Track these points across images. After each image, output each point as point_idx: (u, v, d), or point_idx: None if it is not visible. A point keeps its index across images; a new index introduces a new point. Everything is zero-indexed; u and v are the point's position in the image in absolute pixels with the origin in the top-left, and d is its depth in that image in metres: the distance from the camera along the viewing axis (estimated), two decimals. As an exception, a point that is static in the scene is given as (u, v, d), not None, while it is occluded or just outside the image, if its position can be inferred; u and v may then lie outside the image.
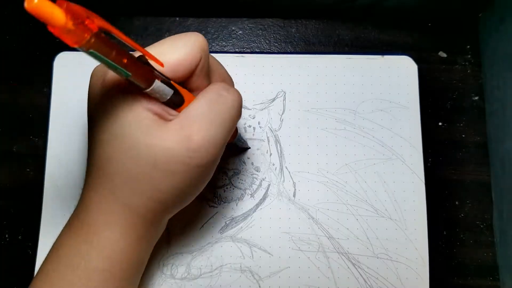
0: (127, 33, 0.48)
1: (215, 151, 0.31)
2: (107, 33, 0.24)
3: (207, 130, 0.30)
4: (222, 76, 0.37)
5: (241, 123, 0.46)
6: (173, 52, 0.31)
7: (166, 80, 0.30)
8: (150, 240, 0.35)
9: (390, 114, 0.46)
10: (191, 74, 0.32)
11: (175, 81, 0.31)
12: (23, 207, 0.46)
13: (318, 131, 0.46)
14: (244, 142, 0.45)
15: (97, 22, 0.23)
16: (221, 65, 0.37)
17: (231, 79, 0.38)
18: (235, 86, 0.46)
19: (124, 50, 0.26)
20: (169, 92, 0.30)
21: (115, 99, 0.30)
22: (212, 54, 0.36)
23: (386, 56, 0.48)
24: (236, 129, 0.41)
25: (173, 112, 0.31)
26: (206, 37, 0.49)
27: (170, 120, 0.30)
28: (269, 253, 0.44)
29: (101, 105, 0.31)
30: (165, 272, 0.43)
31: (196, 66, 0.32)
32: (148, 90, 0.28)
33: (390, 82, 0.47)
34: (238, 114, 0.33)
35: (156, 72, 0.29)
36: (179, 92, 0.31)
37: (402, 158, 0.45)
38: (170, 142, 0.29)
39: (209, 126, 0.30)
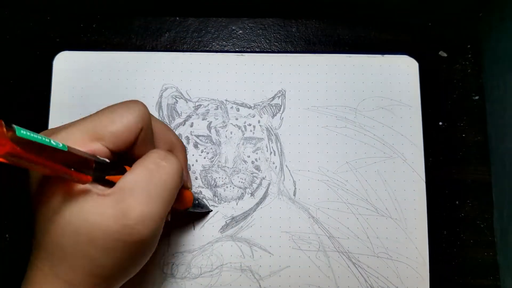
0: (127, 33, 0.49)
1: (154, 225, 0.30)
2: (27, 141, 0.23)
3: (144, 204, 0.29)
4: (169, 142, 0.36)
5: (241, 121, 0.46)
6: (111, 124, 0.30)
7: (101, 163, 0.29)
8: None
9: (391, 112, 0.46)
10: (132, 144, 0.31)
11: (115, 152, 0.31)
12: (23, 207, 0.46)
13: (318, 129, 0.46)
14: (204, 205, 0.44)
15: (8, 147, 0.22)
16: (169, 129, 0.37)
17: (180, 144, 0.38)
18: (234, 88, 0.47)
19: (44, 162, 0.25)
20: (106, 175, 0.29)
21: (52, 179, 0.29)
22: (158, 120, 0.35)
23: (386, 55, 0.48)
24: (192, 195, 0.40)
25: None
26: (206, 37, 0.49)
27: (106, 194, 0.29)
28: (269, 252, 0.44)
29: (42, 181, 0.30)
30: (165, 271, 0.43)
31: (136, 136, 0.31)
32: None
33: (391, 80, 0.47)
34: (177, 185, 0.32)
35: (88, 158, 0.28)
36: (117, 167, 0.30)
37: (403, 156, 0.45)
38: (106, 218, 0.28)
39: (147, 200, 0.29)
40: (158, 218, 0.30)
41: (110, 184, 0.30)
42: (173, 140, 0.37)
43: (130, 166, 0.31)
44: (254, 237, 0.44)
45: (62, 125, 0.31)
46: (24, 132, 0.23)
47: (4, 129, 0.22)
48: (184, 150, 0.38)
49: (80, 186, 0.29)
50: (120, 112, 0.31)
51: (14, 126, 0.22)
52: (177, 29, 0.50)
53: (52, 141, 0.25)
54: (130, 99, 0.46)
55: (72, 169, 0.26)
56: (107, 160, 0.30)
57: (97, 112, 0.31)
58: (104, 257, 0.29)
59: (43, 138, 0.24)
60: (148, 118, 0.32)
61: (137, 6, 0.51)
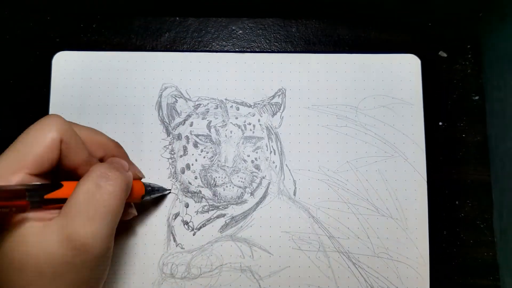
0: (127, 33, 0.49)
1: (102, 243, 0.30)
2: None
3: (88, 226, 0.29)
4: (101, 145, 0.36)
5: (241, 120, 0.46)
6: (29, 149, 0.30)
7: (32, 189, 0.29)
8: None
9: (392, 111, 0.46)
10: (58, 159, 0.31)
11: (44, 172, 0.30)
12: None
13: (318, 128, 0.46)
14: (160, 188, 0.44)
15: None
16: (97, 132, 0.36)
17: (113, 143, 0.37)
18: (234, 86, 0.47)
19: None
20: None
21: None
22: (82, 126, 0.35)
23: (388, 54, 0.48)
24: (141, 185, 0.40)
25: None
26: (206, 37, 0.49)
27: (49, 219, 0.29)
28: (269, 253, 0.44)
29: None
30: (165, 272, 0.43)
31: (59, 151, 0.31)
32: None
33: (393, 78, 0.47)
34: (121, 200, 0.32)
35: (18, 189, 0.28)
36: (52, 184, 0.30)
37: (404, 155, 0.45)
38: (52, 246, 0.28)
39: (91, 222, 0.29)
40: (104, 237, 0.30)
41: (52, 203, 0.30)
42: (104, 141, 0.37)
43: (66, 176, 0.31)
44: (254, 237, 0.44)
45: None
46: None
47: None
48: (119, 146, 0.38)
49: (19, 217, 0.28)
50: (33, 134, 0.31)
51: None
52: (177, 29, 0.50)
53: None
54: (129, 99, 0.46)
55: (8, 200, 0.26)
56: (38, 183, 0.30)
57: (15, 141, 0.31)
58: (56, 283, 0.29)
59: None
60: (65, 128, 0.31)
61: (137, 6, 0.51)
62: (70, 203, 0.30)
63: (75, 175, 0.33)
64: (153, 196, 0.43)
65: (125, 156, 0.39)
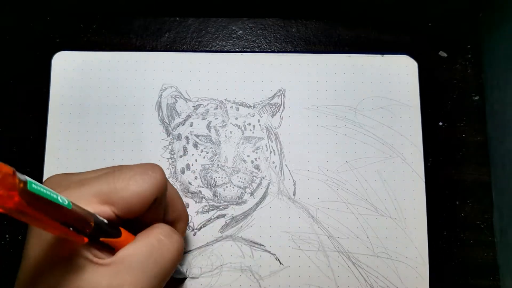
0: (127, 33, 0.49)
1: None
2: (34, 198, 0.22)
3: (140, 281, 0.29)
4: (176, 211, 0.36)
5: (240, 121, 0.46)
6: (125, 191, 0.29)
7: (99, 223, 0.28)
8: None
9: (390, 112, 0.46)
10: (142, 212, 0.31)
11: (124, 218, 0.30)
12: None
13: (318, 129, 0.46)
14: (182, 273, 0.43)
15: (15, 202, 0.21)
16: (179, 197, 0.36)
17: (186, 214, 0.37)
18: (234, 87, 0.47)
19: (45, 219, 0.24)
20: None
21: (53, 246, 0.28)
22: (171, 185, 0.35)
23: (386, 55, 0.48)
24: None
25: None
26: (206, 37, 0.49)
27: (104, 264, 0.28)
28: (269, 252, 0.44)
29: (42, 246, 0.29)
30: (164, 271, 0.43)
31: (149, 206, 0.30)
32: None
33: (391, 80, 0.47)
34: (176, 264, 0.32)
35: (88, 217, 0.27)
36: (118, 234, 0.30)
37: (402, 156, 0.45)
38: None
39: (143, 277, 0.29)
40: None
41: (105, 247, 0.29)
42: (180, 209, 0.36)
43: (131, 228, 0.31)
44: (254, 237, 0.44)
45: (74, 179, 0.30)
46: (36, 187, 0.22)
47: (17, 180, 0.20)
48: (187, 221, 0.38)
49: (81, 254, 0.28)
50: (136, 179, 0.30)
51: (27, 178, 0.21)
52: (177, 29, 0.50)
53: (59, 198, 0.24)
54: (129, 99, 0.46)
55: (71, 228, 0.25)
56: (105, 221, 0.29)
57: (114, 172, 0.30)
58: None
59: (51, 194, 0.23)
60: (164, 188, 0.31)
61: (137, 6, 0.51)
62: (128, 252, 0.29)
63: (132, 226, 0.32)
64: (174, 275, 0.41)
65: (185, 230, 0.39)
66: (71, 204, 0.25)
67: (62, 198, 0.24)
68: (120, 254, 0.29)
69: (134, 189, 0.29)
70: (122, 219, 0.30)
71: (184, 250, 0.34)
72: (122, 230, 0.30)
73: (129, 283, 0.28)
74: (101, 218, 0.29)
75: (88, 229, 0.27)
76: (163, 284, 0.31)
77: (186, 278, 0.44)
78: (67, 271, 0.28)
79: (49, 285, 0.28)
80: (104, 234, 0.29)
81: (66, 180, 0.31)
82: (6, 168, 0.20)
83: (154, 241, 0.30)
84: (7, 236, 0.46)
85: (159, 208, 0.32)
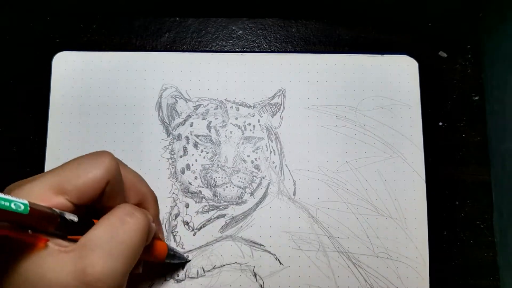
0: (127, 33, 0.49)
1: (115, 282, 0.29)
2: None
3: (104, 261, 0.28)
4: (140, 193, 0.36)
5: (240, 121, 0.46)
6: (76, 179, 0.30)
7: (67, 220, 0.29)
8: None
9: (391, 112, 0.46)
10: (97, 197, 0.31)
11: (79, 205, 0.30)
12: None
13: (318, 129, 0.46)
14: (180, 255, 0.43)
15: None
16: (140, 180, 0.36)
17: (152, 195, 0.37)
18: (234, 87, 0.47)
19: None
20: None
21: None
22: (130, 170, 0.35)
23: (386, 55, 0.48)
24: (165, 246, 0.39)
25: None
26: (206, 37, 0.49)
27: (67, 251, 0.28)
28: (269, 253, 0.44)
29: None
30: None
31: (102, 190, 0.31)
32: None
33: (391, 79, 0.47)
34: (142, 242, 0.31)
35: (52, 214, 0.27)
36: (85, 224, 0.30)
37: (403, 156, 0.45)
38: (65, 275, 0.27)
39: (108, 257, 0.29)
40: (119, 275, 0.29)
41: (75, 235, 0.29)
42: (144, 191, 0.36)
43: (97, 217, 0.31)
44: (254, 237, 0.44)
45: (28, 178, 0.31)
46: None
47: None
48: (155, 201, 0.38)
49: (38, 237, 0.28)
50: (85, 165, 0.31)
51: None
52: (177, 29, 0.50)
53: (12, 205, 0.24)
54: (129, 99, 0.46)
55: (29, 231, 0.26)
56: (75, 219, 0.29)
57: (64, 164, 0.31)
58: None
59: (3, 203, 0.23)
60: (115, 172, 0.31)
61: (137, 6, 0.51)
62: (91, 234, 0.29)
63: (97, 215, 0.32)
64: (173, 261, 0.42)
65: (156, 209, 0.39)
66: (27, 208, 0.25)
67: (16, 205, 0.24)
68: (83, 239, 0.29)
69: (84, 174, 0.30)
70: (79, 206, 0.30)
71: (151, 229, 0.34)
72: (95, 221, 0.31)
73: (93, 264, 0.28)
74: (70, 217, 0.29)
75: (51, 228, 0.27)
76: (131, 263, 0.31)
77: (188, 261, 0.44)
78: (28, 262, 0.28)
79: (13, 277, 0.28)
80: (74, 231, 0.29)
81: (19, 182, 0.31)
82: None
83: (116, 221, 0.30)
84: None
85: (114, 193, 0.32)
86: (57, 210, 0.28)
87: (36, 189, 0.29)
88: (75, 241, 0.29)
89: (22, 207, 0.25)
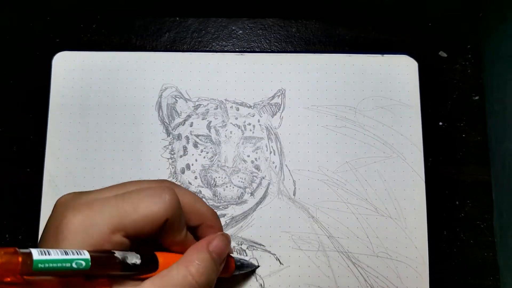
0: (127, 33, 0.49)
1: None
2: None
3: None
4: (199, 214, 0.35)
5: (240, 121, 0.46)
6: (134, 214, 0.29)
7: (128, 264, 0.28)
8: None
9: (391, 112, 0.46)
10: (154, 234, 0.30)
11: (139, 239, 0.30)
12: (23, 207, 0.46)
13: (318, 129, 0.46)
14: (249, 264, 0.43)
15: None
16: (197, 201, 0.36)
17: (212, 213, 0.37)
18: (234, 87, 0.47)
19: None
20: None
21: None
22: (187, 192, 0.35)
23: (386, 55, 0.48)
24: (232, 260, 0.39)
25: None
26: (206, 37, 0.49)
27: None
28: (269, 252, 0.44)
29: None
30: (164, 271, 0.43)
31: (160, 227, 0.30)
32: None
33: (391, 79, 0.47)
34: (213, 281, 0.32)
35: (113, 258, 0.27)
36: (155, 266, 0.30)
37: (402, 156, 0.45)
38: None
39: None
40: None
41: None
42: (203, 211, 0.36)
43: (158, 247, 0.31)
44: (254, 237, 0.44)
45: (82, 198, 0.30)
46: (42, 265, 0.21)
47: (20, 259, 0.20)
48: (217, 217, 0.38)
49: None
50: (145, 201, 0.30)
51: (33, 254, 0.21)
52: (177, 29, 0.50)
53: (73, 264, 0.23)
54: (129, 99, 0.46)
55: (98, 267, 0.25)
56: (138, 262, 0.29)
57: (123, 195, 0.30)
58: None
59: (64, 265, 0.23)
60: (175, 208, 0.31)
61: (137, 6, 0.51)
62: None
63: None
64: (242, 271, 0.42)
65: (219, 225, 0.38)
66: (89, 264, 0.24)
67: (79, 263, 0.24)
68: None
69: (143, 211, 0.29)
70: (134, 240, 0.30)
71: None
72: (159, 255, 0.31)
73: None
74: (132, 262, 0.28)
75: (114, 272, 0.26)
76: None
77: (258, 266, 0.43)
78: None
79: None
80: (136, 272, 0.29)
81: (73, 201, 0.30)
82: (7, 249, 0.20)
83: (187, 274, 0.30)
84: (7, 236, 0.46)
85: (173, 229, 0.32)
86: (119, 256, 0.28)
87: (96, 228, 0.28)
88: (141, 279, 0.29)
89: (84, 264, 0.24)
